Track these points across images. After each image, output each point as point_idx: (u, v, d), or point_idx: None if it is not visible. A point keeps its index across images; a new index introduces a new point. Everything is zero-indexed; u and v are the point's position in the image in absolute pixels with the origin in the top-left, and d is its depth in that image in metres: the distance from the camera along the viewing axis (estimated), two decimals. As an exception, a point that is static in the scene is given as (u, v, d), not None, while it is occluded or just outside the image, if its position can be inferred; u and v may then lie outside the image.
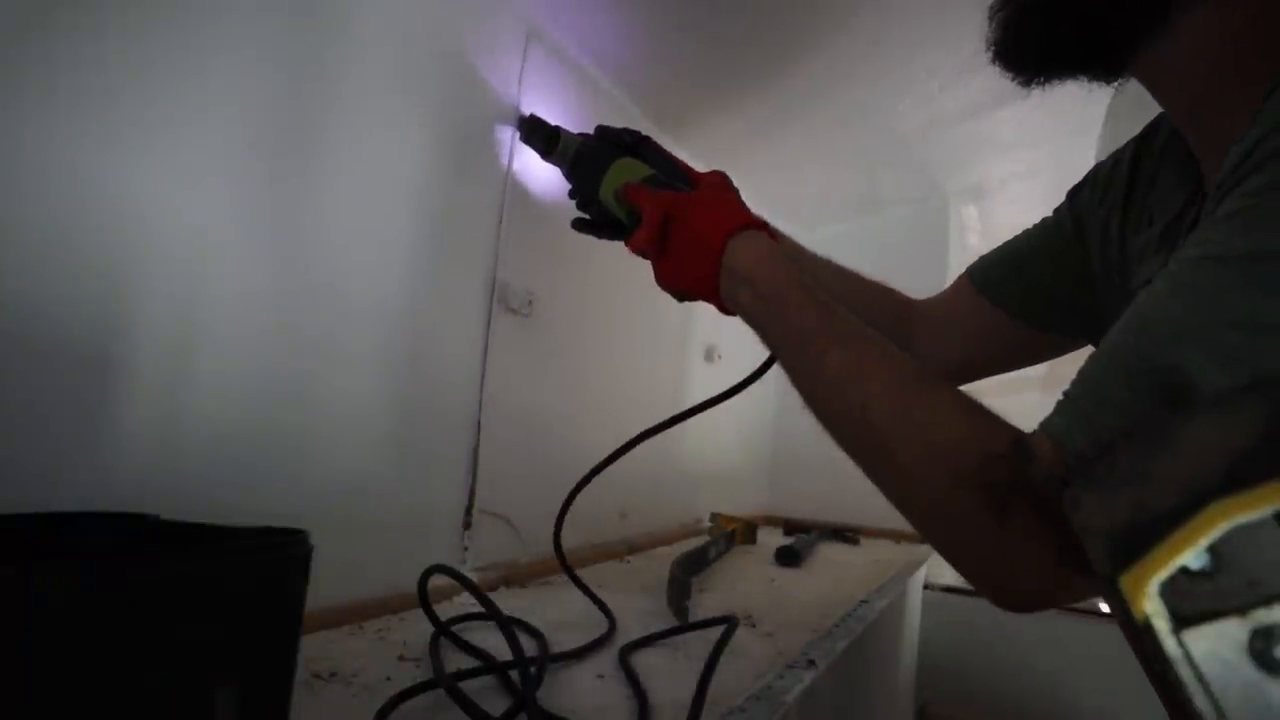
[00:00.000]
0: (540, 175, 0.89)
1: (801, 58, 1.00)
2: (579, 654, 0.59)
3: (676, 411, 0.63)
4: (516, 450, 0.86)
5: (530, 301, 0.87)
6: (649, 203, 0.57)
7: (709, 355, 1.36)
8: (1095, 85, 0.47)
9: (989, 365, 0.64)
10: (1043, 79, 0.47)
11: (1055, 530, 0.34)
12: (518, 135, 0.81)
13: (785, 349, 0.47)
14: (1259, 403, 0.29)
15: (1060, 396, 0.35)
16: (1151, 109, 0.55)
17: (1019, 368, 0.63)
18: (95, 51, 0.46)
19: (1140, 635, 0.29)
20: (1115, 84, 0.47)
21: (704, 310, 1.31)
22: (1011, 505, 0.35)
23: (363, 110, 0.66)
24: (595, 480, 0.69)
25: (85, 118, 0.46)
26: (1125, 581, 0.30)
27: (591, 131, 0.70)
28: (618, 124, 0.87)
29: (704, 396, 0.61)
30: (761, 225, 0.54)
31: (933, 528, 0.39)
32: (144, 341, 0.50)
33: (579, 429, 0.99)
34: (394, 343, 0.70)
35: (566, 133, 0.71)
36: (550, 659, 0.55)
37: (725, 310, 0.54)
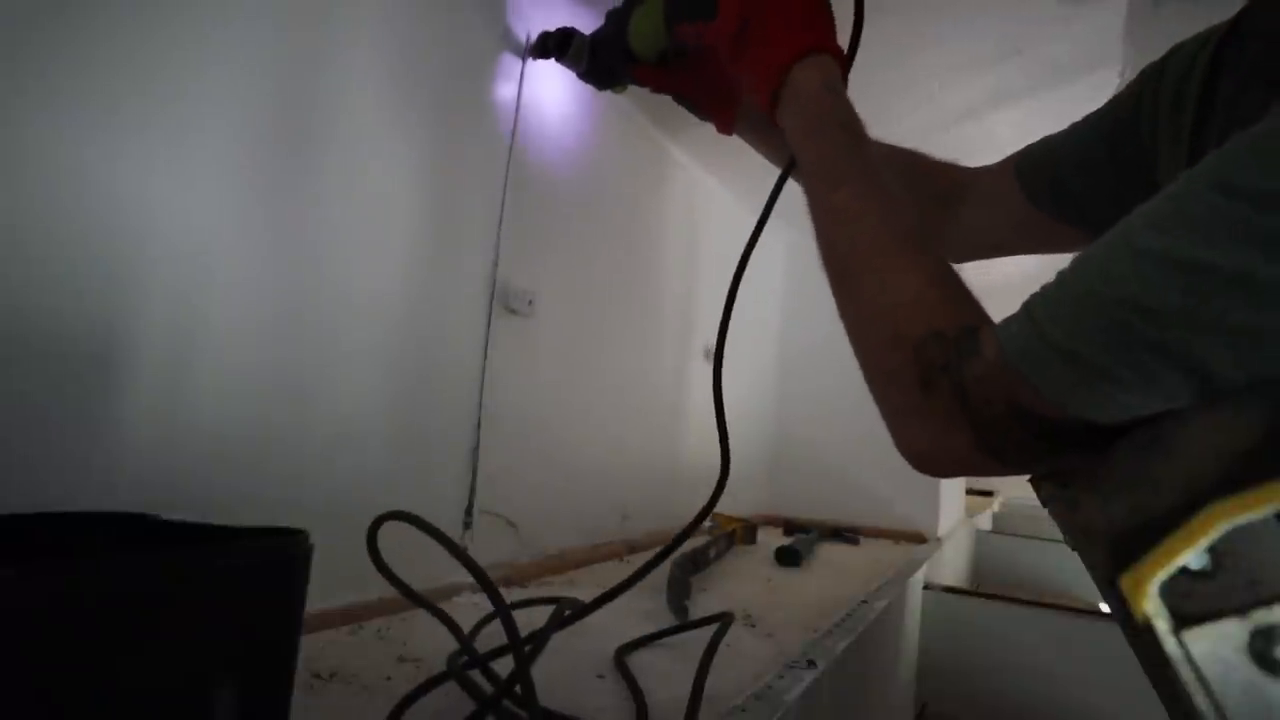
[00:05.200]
0: (541, 174, 0.89)
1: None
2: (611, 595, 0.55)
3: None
4: (516, 450, 0.85)
5: (530, 301, 0.87)
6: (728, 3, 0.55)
7: (709, 355, 1.36)
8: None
9: (1018, 247, 0.64)
10: None
11: (973, 423, 0.35)
12: (531, 57, 0.84)
13: (810, 171, 0.49)
14: (1258, 403, 0.29)
15: (1030, 298, 0.35)
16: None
17: (1053, 253, 0.62)
18: (97, 53, 0.46)
19: (1140, 635, 0.29)
20: None
21: (704, 310, 1.32)
22: (936, 384, 0.37)
23: (363, 110, 0.66)
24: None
25: (88, 118, 0.46)
26: (1125, 582, 0.30)
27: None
28: (619, 125, 0.87)
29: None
30: (838, 52, 0.53)
31: (870, 374, 0.41)
32: (145, 342, 0.50)
33: (579, 429, 0.99)
34: (394, 343, 0.70)
35: (578, 31, 0.74)
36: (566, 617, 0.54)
37: (775, 123, 0.53)
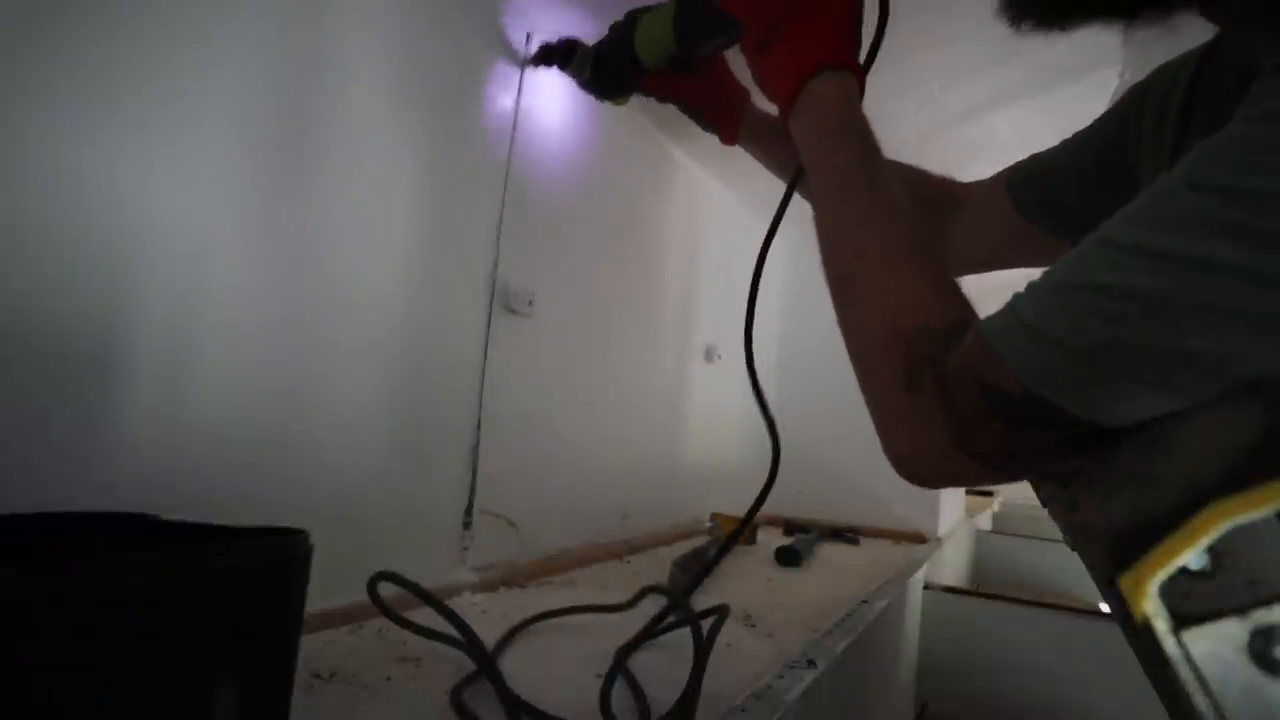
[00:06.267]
0: (542, 174, 0.89)
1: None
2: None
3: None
4: (516, 450, 0.85)
5: (530, 301, 0.87)
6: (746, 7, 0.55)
7: (709, 355, 1.36)
8: (1114, 27, 0.46)
9: (1012, 260, 0.65)
10: (1060, 24, 0.47)
11: (949, 415, 0.37)
12: (532, 66, 0.84)
13: (820, 179, 0.50)
14: (1258, 401, 0.29)
15: (1014, 294, 0.36)
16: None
17: (1046, 266, 0.63)
18: (97, 53, 0.46)
19: (1140, 635, 0.29)
20: (1133, 24, 0.45)
21: (704, 310, 1.32)
22: (920, 379, 0.38)
23: (363, 110, 0.66)
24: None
25: (88, 118, 0.46)
26: (1125, 582, 0.30)
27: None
28: (620, 125, 0.87)
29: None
30: (858, 71, 0.53)
31: (862, 377, 0.43)
32: (145, 342, 0.50)
33: (579, 429, 0.99)
34: (394, 343, 0.70)
35: (581, 41, 0.74)
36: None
37: (786, 133, 0.54)
